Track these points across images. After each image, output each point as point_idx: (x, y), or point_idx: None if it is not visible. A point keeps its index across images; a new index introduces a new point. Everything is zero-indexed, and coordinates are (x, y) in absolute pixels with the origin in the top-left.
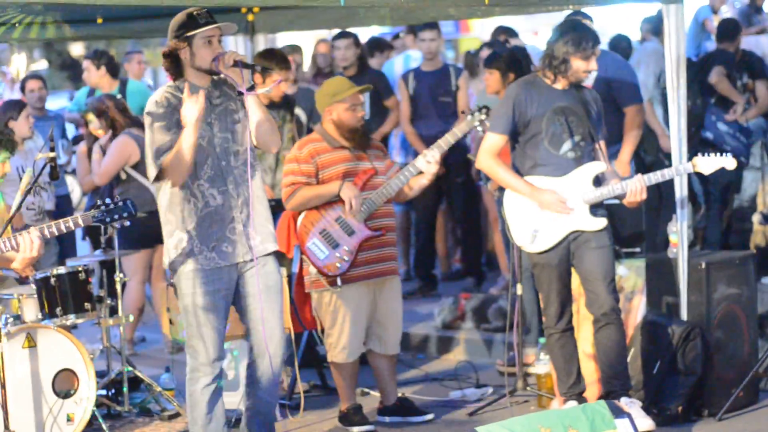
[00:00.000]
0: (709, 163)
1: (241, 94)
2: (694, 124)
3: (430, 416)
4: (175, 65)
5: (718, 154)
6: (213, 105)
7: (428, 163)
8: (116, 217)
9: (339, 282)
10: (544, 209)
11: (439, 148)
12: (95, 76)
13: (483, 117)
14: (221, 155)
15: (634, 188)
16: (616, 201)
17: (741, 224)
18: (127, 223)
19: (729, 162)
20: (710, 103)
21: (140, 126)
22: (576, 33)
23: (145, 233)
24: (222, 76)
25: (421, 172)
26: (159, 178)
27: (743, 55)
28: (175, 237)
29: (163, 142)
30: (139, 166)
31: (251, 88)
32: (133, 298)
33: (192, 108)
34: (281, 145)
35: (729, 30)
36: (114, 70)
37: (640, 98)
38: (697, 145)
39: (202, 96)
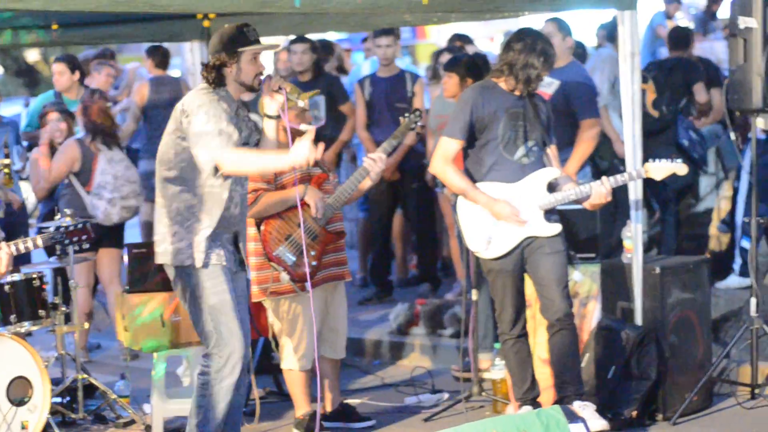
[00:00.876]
0: (660, 169)
1: (272, 117)
2: (667, 131)
3: (371, 422)
4: (218, 78)
5: (670, 160)
6: (239, 119)
7: (371, 166)
8: (75, 239)
9: (309, 286)
10: (499, 220)
11: (384, 151)
12: (67, 80)
13: (417, 119)
14: None
15: (601, 191)
16: (571, 206)
17: (696, 230)
18: (86, 246)
19: (680, 168)
20: (679, 111)
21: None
22: (544, 44)
23: None
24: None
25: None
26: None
27: (700, 62)
28: (201, 234)
29: (217, 132)
30: (80, 176)
31: (277, 117)
32: (80, 304)
33: (307, 153)
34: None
35: (681, 38)
36: (84, 77)
37: (597, 113)
38: (675, 152)
39: (314, 151)
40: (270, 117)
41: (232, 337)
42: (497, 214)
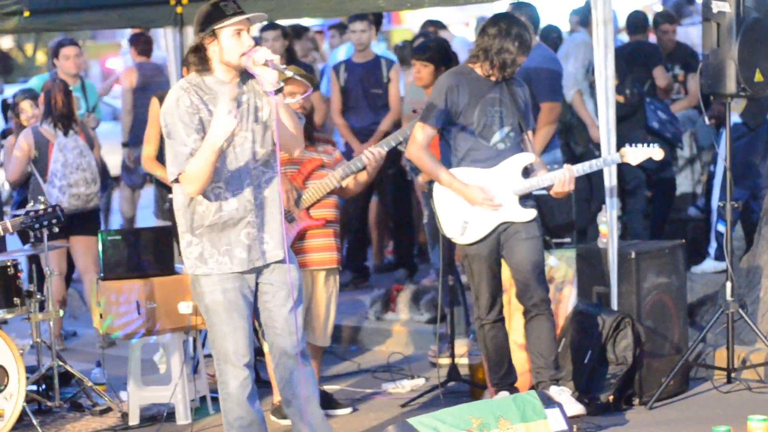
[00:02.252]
0: (636, 154)
1: (267, 93)
2: (636, 114)
3: (348, 410)
4: (202, 62)
5: (647, 144)
6: (239, 102)
7: (368, 159)
8: (45, 223)
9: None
10: (473, 205)
11: (387, 145)
12: (74, 65)
13: None
14: (240, 156)
15: (562, 178)
16: (545, 192)
17: (673, 214)
18: (56, 230)
19: (656, 152)
20: (644, 94)
21: (70, 121)
22: (520, 29)
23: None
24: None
25: (364, 167)
26: (177, 181)
27: (677, 47)
28: (185, 240)
29: (184, 146)
30: (37, 164)
31: (279, 91)
32: (53, 292)
33: (225, 125)
34: (303, 148)
35: (639, 22)
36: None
37: (558, 96)
38: (647, 135)
39: (235, 114)
40: (273, 93)
41: (224, 340)
42: (471, 200)
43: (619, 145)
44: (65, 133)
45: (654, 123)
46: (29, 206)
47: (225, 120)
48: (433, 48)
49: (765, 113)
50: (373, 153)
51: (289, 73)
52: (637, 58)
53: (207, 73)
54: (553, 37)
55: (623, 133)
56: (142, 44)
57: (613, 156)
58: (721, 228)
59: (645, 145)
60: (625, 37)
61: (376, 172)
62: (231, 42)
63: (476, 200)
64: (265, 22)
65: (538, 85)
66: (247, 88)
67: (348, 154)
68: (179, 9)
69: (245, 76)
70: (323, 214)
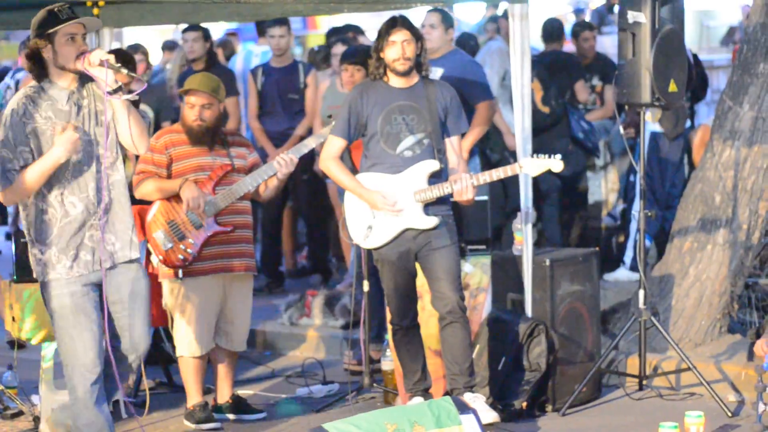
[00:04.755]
0: (535, 165)
1: (114, 91)
2: (560, 124)
3: (263, 414)
4: (38, 66)
5: (547, 156)
6: (80, 107)
7: (280, 165)
8: None
9: (180, 274)
10: (373, 209)
11: (298, 151)
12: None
13: None
14: (84, 160)
15: (459, 188)
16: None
17: (587, 222)
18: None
19: (556, 164)
20: (568, 104)
21: None
22: (379, 29)
23: None
24: (87, 74)
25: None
26: None
27: (596, 57)
28: (35, 248)
29: (8, 156)
30: None
31: (117, 90)
32: None
33: (62, 147)
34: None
35: (554, 30)
36: None
37: (490, 95)
38: (572, 145)
39: (74, 137)
40: (111, 93)
41: (72, 343)
42: (371, 204)
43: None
44: None
45: (579, 133)
46: None
47: (66, 141)
48: (363, 52)
49: (683, 123)
50: (285, 159)
51: (124, 71)
52: (558, 69)
53: (44, 79)
54: (470, 45)
55: (548, 142)
56: None
57: (512, 167)
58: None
59: (546, 156)
60: (539, 45)
61: (287, 178)
62: (65, 47)
63: (377, 204)
64: (185, 24)
65: (469, 90)
66: (87, 92)
67: (263, 158)
68: (96, 11)
69: (84, 80)
70: (232, 221)
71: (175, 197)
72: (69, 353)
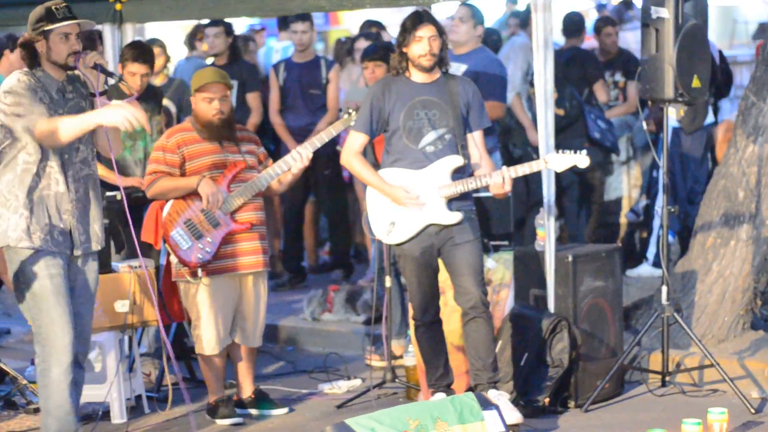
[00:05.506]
0: (561, 161)
1: (93, 95)
2: (575, 124)
3: (284, 410)
4: (31, 56)
5: (572, 151)
6: (66, 99)
7: (294, 160)
8: None
9: (200, 273)
10: (396, 204)
11: (312, 145)
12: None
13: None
14: (65, 149)
15: (497, 181)
16: (486, 194)
17: (608, 218)
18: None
19: (582, 160)
20: (584, 103)
21: None
22: (403, 23)
23: None
24: (77, 72)
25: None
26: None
27: (619, 53)
28: (17, 214)
29: (31, 110)
30: None
31: (104, 93)
32: None
33: (118, 113)
34: (121, 153)
35: (575, 24)
36: None
37: (502, 97)
38: (588, 146)
39: (140, 114)
40: (94, 95)
41: (52, 324)
42: (394, 199)
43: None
44: None
45: (595, 133)
46: None
47: (124, 111)
48: (382, 48)
49: (702, 119)
50: (300, 153)
51: (115, 78)
52: (575, 67)
53: (37, 68)
54: (493, 40)
55: (563, 142)
56: (85, 41)
57: (538, 162)
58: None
59: (573, 151)
60: (560, 39)
61: (301, 173)
62: (58, 44)
63: (399, 200)
64: (207, 21)
65: (482, 85)
66: (73, 87)
67: (285, 153)
68: (118, 6)
69: (71, 77)
70: (248, 218)
71: (188, 196)
72: (46, 335)
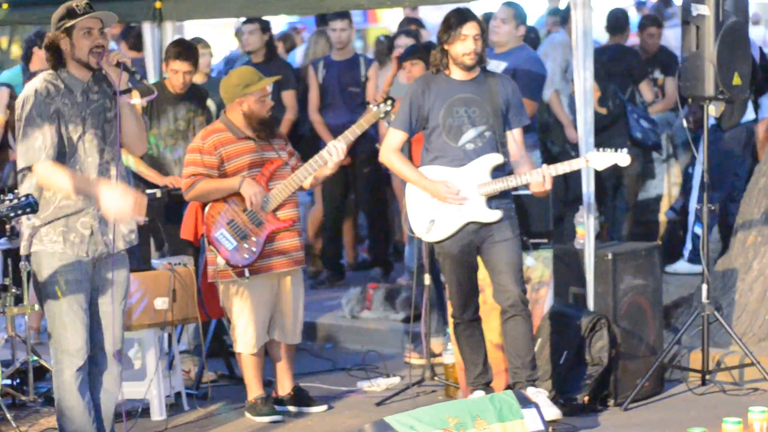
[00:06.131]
0: (601, 159)
1: (116, 93)
2: (617, 123)
3: (323, 407)
4: (56, 57)
5: (613, 150)
6: (89, 100)
7: (330, 155)
8: (19, 212)
9: (247, 273)
10: (436, 199)
11: (345, 139)
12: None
13: (388, 108)
14: (89, 151)
15: (538, 179)
16: (525, 191)
17: (648, 216)
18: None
19: (622, 158)
20: (626, 102)
21: None
22: (445, 20)
23: None
24: (103, 71)
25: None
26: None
27: (660, 51)
28: (30, 223)
29: (35, 136)
30: None
31: (127, 91)
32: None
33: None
34: (146, 151)
35: (619, 21)
36: None
37: (537, 96)
38: (630, 146)
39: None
40: (116, 94)
41: (64, 329)
42: (434, 194)
43: (599, 147)
44: None
45: (638, 133)
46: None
47: (119, 200)
48: (420, 48)
49: (740, 115)
50: (336, 147)
51: (137, 76)
52: (619, 65)
53: (62, 69)
54: (530, 38)
55: (605, 141)
56: (134, 38)
57: (578, 161)
58: (698, 230)
59: (613, 150)
60: (603, 35)
61: (337, 167)
62: (81, 39)
63: (440, 194)
64: (243, 18)
65: (519, 82)
66: (99, 88)
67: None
68: (158, 4)
69: (98, 76)
70: (290, 215)
71: (227, 196)
72: (58, 338)
